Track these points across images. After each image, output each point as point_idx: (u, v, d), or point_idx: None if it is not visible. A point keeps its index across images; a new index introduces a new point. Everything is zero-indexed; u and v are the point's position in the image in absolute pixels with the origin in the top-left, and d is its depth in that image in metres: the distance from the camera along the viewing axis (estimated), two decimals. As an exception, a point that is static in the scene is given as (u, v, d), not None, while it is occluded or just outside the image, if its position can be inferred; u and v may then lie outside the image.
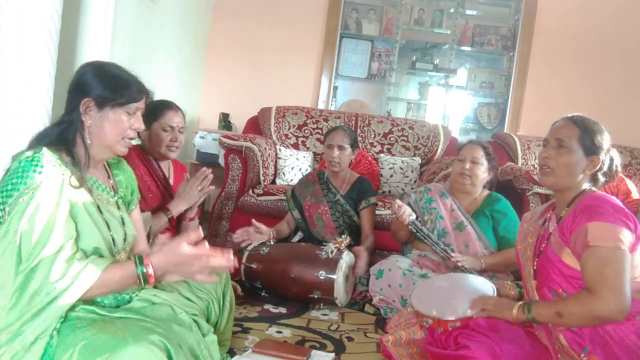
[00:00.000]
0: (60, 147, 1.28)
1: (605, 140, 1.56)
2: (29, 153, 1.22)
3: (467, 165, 2.42)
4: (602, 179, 1.58)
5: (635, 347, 1.35)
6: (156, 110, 2.12)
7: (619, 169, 1.61)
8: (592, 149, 1.54)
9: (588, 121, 1.58)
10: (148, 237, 1.86)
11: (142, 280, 1.26)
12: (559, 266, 1.49)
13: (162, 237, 1.37)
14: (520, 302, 1.51)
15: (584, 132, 1.55)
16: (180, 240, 1.27)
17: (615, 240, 1.38)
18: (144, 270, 1.25)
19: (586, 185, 1.57)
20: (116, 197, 1.44)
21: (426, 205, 2.50)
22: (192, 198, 2.11)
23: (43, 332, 1.14)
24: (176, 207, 2.08)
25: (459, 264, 2.25)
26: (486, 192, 2.52)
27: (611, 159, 1.58)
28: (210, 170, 2.17)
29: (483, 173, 2.44)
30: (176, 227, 2.20)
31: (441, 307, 1.66)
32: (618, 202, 1.48)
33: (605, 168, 1.57)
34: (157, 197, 2.14)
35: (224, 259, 1.31)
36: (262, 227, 2.61)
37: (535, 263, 1.58)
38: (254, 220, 2.61)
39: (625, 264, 1.36)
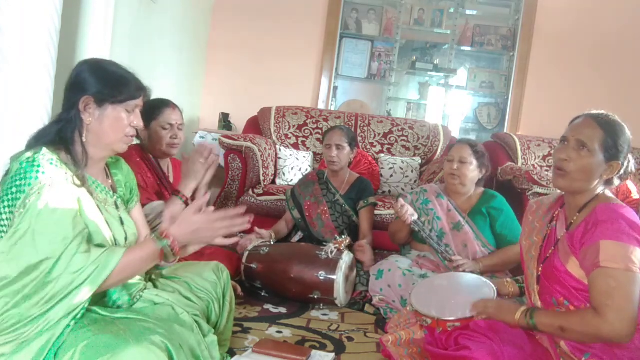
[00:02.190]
0: (59, 147, 1.28)
1: (627, 143, 1.46)
2: (29, 154, 1.21)
3: (455, 166, 2.42)
4: (617, 182, 1.50)
5: (638, 352, 1.33)
6: (154, 109, 2.12)
7: (634, 170, 1.52)
8: (613, 154, 1.44)
9: (613, 122, 1.47)
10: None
11: (169, 253, 1.25)
12: (565, 277, 1.45)
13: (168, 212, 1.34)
14: (523, 308, 1.48)
15: (608, 134, 1.44)
16: (190, 208, 1.28)
17: (627, 261, 1.31)
18: (168, 243, 1.25)
19: (600, 189, 1.49)
20: (115, 197, 1.43)
21: (423, 207, 2.50)
22: (198, 173, 2.06)
23: (68, 314, 1.14)
24: (186, 187, 2.04)
25: (460, 269, 2.24)
26: (481, 189, 2.52)
27: (628, 161, 1.49)
28: (213, 145, 2.13)
29: (472, 172, 2.43)
30: None
31: (440, 307, 1.66)
32: (632, 215, 1.40)
33: (622, 172, 1.47)
34: (160, 195, 2.14)
35: (239, 218, 1.31)
36: (263, 232, 2.62)
37: (540, 267, 1.54)
38: (256, 228, 2.62)
39: (634, 286, 1.31)
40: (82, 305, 1.16)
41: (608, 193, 1.50)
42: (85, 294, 1.15)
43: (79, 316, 1.16)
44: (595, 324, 1.31)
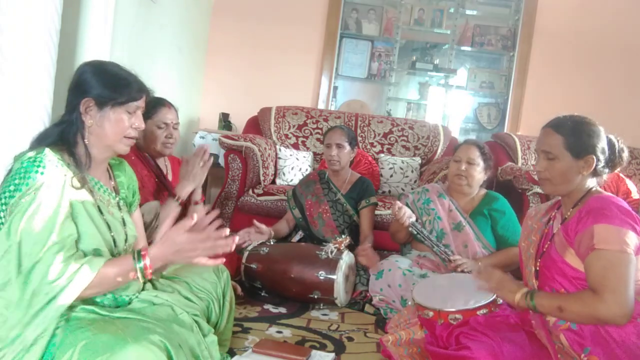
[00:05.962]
0: (62, 148, 1.28)
1: (594, 135, 1.51)
2: (32, 153, 1.22)
3: (463, 167, 2.41)
4: (605, 171, 1.54)
5: (636, 348, 1.34)
6: (149, 108, 2.11)
7: (624, 152, 1.55)
8: (581, 151, 1.50)
9: (569, 123, 1.53)
10: (147, 228, 1.86)
11: (140, 274, 1.25)
12: (562, 266, 1.48)
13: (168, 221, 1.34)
14: (524, 290, 1.51)
15: (567, 136, 1.51)
16: (177, 228, 1.27)
17: (621, 243, 1.36)
18: (142, 264, 1.25)
19: (591, 183, 1.53)
20: (117, 198, 1.44)
21: (424, 206, 2.50)
22: (197, 176, 2.08)
23: (42, 332, 1.14)
24: (183, 189, 2.07)
25: (459, 269, 2.24)
26: (483, 191, 2.52)
27: (610, 146, 1.53)
28: (207, 145, 2.18)
29: (479, 173, 2.44)
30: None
31: (442, 300, 1.67)
32: (624, 203, 1.45)
33: (603, 161, 1.52)
34: (158, 194, 2.14)
35: (223, 242, 1.30)
36: (263, 227, 2.62)
37: (537, 263, 1.57)
38: (255, 221, 2.62)
39: (629, 267, 1.35)
40: (57, 320, 1.16)
41: (600, 189, 1.55)
42: (60, 306, 1.14)
43: (53, 335, 1.15)
44: (592, 304, 1.35)
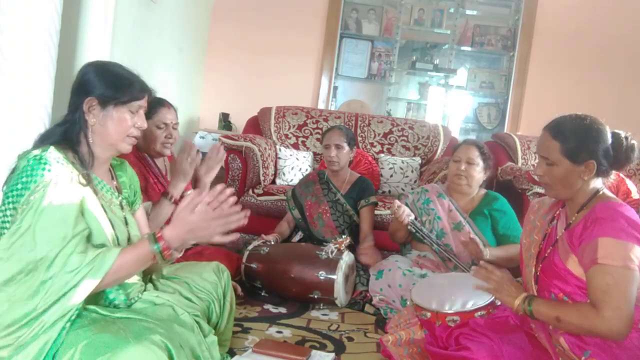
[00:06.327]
0: (66, 147, 1.29)
1: (595, 139, 1.43)
2: (37, 152, 1.22)
3: (463, 167, 2.42)
4: (611, 171, 1.48)
5: (638, 351, 1.33)
6: (149, 108, 2.10)
7: (633, 151, 1.44)
8: (581, 156, 1.43)
9: (569, 127, 1.46)
10: None
11: (159, 257, 1.25)
12: (564, 274, 1.45)
13: (193, 192, 1.30)
14: (523, 295, 1.48)
15: (565, 142, 1.44)
16: (186, 209, 1.26)
17: (625, 259, 1.30)
18: (160, 246, 1.24)
19: (596, 184, 1.47)
20: (120, 198, 1.44)
21: (424, 206, 2.50)
22: (187, 172, 2.07)
23: (63, 316, 1.14)
24: (175, 187, 2.04)
25: (473, 236, 2.22)
26: (483, 191, 2.53)
27: (616, 145, 1.44)
28: (191, 141, 2.14)
29: (479, 173, 2.44)
30: None
31: (440, 301, 1.65)
32: (632, 213, 1.39)
33: (606, 164, 1.44)
34: (156, 193, 2.14)
35: (236, 217, 1.28)
36: (270, 238, 2.62)
37: (539, 266, 1.54)
38: (263, 235, 2.63)
39: (632, 284, 1.31)
40: (77, 307, 1.16)
41: (607, 192, 1.49)
42: (80, 295, 1.15)
43: (73, 317, 1.16)
44: (591, 319, 1.31)
